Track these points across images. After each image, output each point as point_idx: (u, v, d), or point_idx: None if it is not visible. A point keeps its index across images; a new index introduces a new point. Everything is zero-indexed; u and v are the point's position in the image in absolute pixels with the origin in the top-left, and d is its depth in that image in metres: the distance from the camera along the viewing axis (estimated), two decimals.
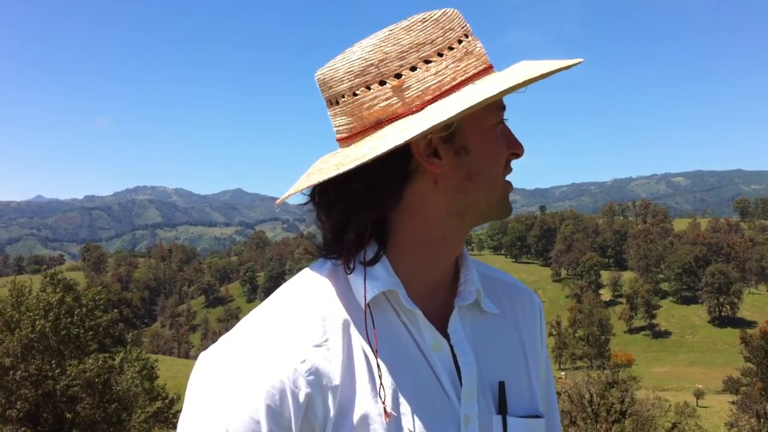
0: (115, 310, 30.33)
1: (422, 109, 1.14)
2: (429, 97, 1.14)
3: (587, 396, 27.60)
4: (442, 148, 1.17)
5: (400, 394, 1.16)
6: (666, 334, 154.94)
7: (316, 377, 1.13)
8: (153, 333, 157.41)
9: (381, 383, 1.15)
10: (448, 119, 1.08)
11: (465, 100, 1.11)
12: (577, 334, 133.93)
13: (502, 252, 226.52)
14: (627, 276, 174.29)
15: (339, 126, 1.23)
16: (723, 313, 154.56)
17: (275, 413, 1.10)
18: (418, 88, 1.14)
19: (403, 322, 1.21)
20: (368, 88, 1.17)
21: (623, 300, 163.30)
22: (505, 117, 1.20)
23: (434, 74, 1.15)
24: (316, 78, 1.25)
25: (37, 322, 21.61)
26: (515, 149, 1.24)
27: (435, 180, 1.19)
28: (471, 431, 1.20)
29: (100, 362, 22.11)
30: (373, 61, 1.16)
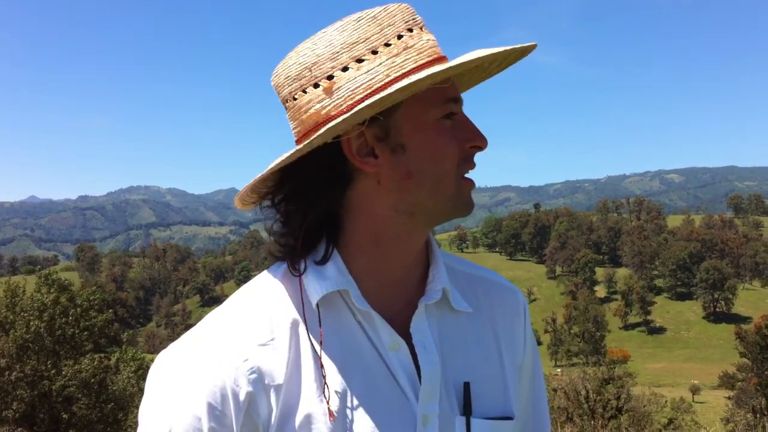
0: (110, 310, 30.31)
1: (352, 109, 1.12)
2: (359, 97, 1.13)
3: (583, 392, 27.58)
4: (378, 146, 1.16)
5: (349, 394, 1.16)
6: (661, 330, 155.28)
7: (259, 376, 1.14)
8: (148, 333, 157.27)
9: (326, 382, 1.15)
10: (343, 119, 1.10)
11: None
12: (572, 331, 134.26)
13: (497, 249, 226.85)
14: (621, 273, 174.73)
15: (292, 130, 1.24)
16: (718, 309, 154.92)
17: (216, 411, 1.11)
18: (348, 89, 1.13)
19: (358, 322, 1.20)
20: (304, 91, 1.17)
21: (618, 296, 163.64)
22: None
23: (365, 73, 1.13)
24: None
25: (31, 323, 21.54)
26: (474, 142, 1.20)
27: (378, 179, 1.18)
28: (430, 431, 1.18)
29: (95, 362, 22.06)
30: (306, 65, 1.17)
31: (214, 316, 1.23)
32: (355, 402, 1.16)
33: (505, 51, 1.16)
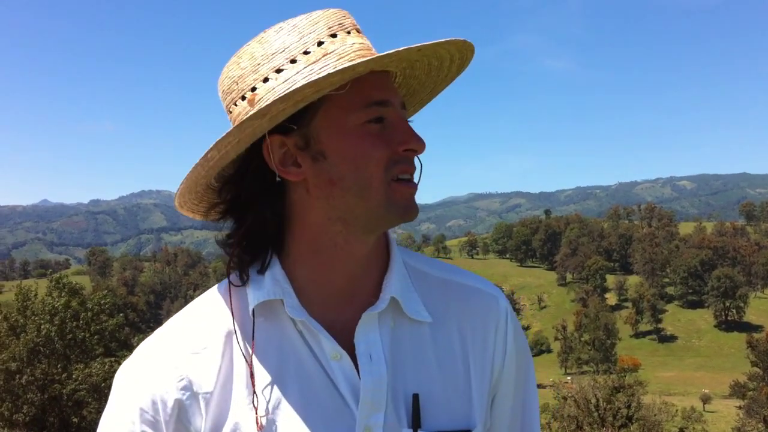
0: (121, 314, 30.38)
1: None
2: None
3: (593, 401, 27.52)
4: (300, 155, 1.17)
5: (283, 403, 1.17)
6: (672, 338, 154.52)
7: (188, 384, 1.17)
8: None
9: (255, 391, 1.16)
10: (228, 132, 1.12)
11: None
12: (582, 339, 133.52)
13: (507, 256, 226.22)
14: (632, 280, 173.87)
15: None
16: (729, 318, 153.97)
17: (147, 416, 1.17)
18: (268, 99, 1.14)
19: (299, 331, 1.20)
20: (235, 104, 1.20)
21: (629, 304, 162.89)
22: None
23: (283, 82, 1.14)
24: None
25: (42, 327, 21.66)
26: (407, 145, 1.19)
27: (306, 188, 1.19)
28: None
29: (106, 366, 22.13)
30: (234, 78, 1.20)
31: (160, 329, 1.27)
32: (290, 411, 1.16)
33: (407, 50, 1.15)
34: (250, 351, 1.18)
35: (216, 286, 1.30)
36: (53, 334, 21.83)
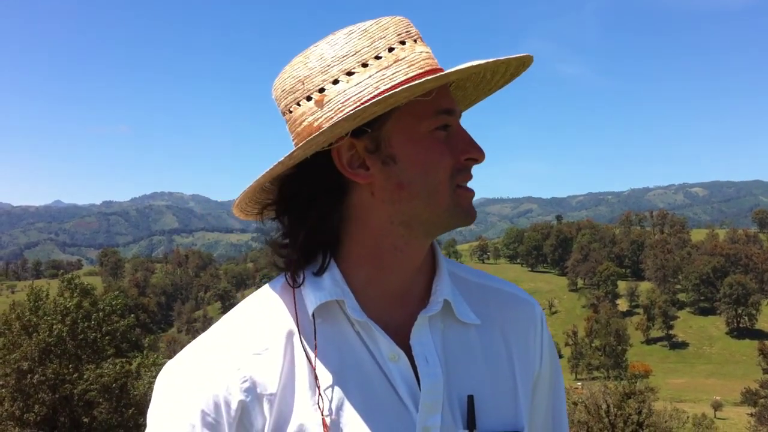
0: (132, 315, 30.35)
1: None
2: (349, 109, 1.14)
3: (604, 407, 27.46)
4: (368, 158, 1.17)
5: (345, 404, 1.16)
6: (683, 345, 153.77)
7: (252, 385, 1.15)
8: (169, 338, 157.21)
9: (320, 392, 1.15)
10: (321, 132, 1.12)
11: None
12: (593, 344, 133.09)
13: (518, 261, 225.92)
14: (644, 286, 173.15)
15: (292, 142, 1.24)
16: (741, 325, 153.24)
17: (209, 419, 1.14)
18: (338, 101, 1.15)
19: (357, 332, 1.20)
20: (298, 104, 1.20)
21: (640, 310, 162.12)
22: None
23: (355, 85, 1.14)
24: None
25: (54, 327, 21.69)
26: (469, 154, 1.21)
27: (371, 191, 1.19)
28: None
29: (117, 367, 22.16)
30: (299, 78, 1.19)
31: (213, 328, 1.25)
32: (352, 412, 1.16)
33: (495, 62, 1.18)
34: (313, 352, 1.18)
35: (266, 285, 1.29)
36: (65, 334, 21.86)
